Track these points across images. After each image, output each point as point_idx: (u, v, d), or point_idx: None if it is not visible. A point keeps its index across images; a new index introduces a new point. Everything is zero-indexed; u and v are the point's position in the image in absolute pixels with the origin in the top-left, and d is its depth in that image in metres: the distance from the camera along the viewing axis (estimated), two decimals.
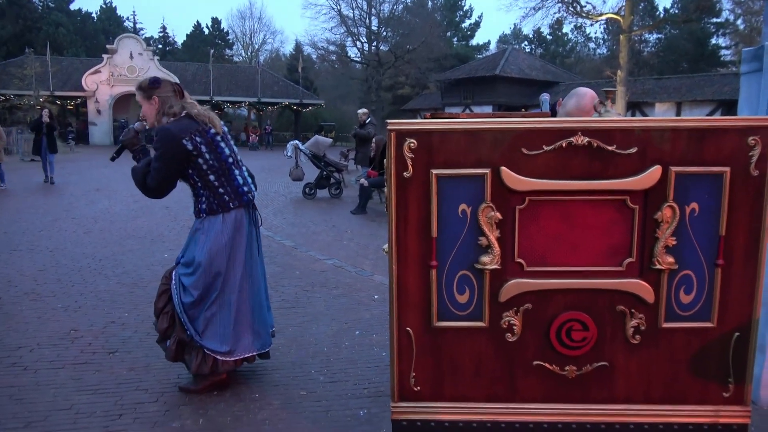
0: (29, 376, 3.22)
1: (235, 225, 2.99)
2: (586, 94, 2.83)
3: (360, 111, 11.77)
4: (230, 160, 3.00)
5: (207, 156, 2.90)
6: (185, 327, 2.96)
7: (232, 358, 3.02)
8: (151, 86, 2.95)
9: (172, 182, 2.97)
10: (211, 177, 2.93)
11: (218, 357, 2.98)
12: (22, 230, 7.51)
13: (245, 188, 3.05)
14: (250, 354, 3.09)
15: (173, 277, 3.02)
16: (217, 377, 3.06)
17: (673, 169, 1.92)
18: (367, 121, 11.51)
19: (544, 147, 1.94)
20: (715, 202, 1.94)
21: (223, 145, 2.98)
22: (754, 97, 3.15)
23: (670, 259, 1.97)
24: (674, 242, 1.96)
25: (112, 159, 3.27)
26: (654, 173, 1.92)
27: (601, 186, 1.95)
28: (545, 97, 3.20)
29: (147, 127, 3.08)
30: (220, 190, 2.95)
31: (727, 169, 1.92)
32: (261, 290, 3.19)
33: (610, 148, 1.92)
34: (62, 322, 4.12)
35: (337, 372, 3.37)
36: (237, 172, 3.03)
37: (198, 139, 2.89)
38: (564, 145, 1.93)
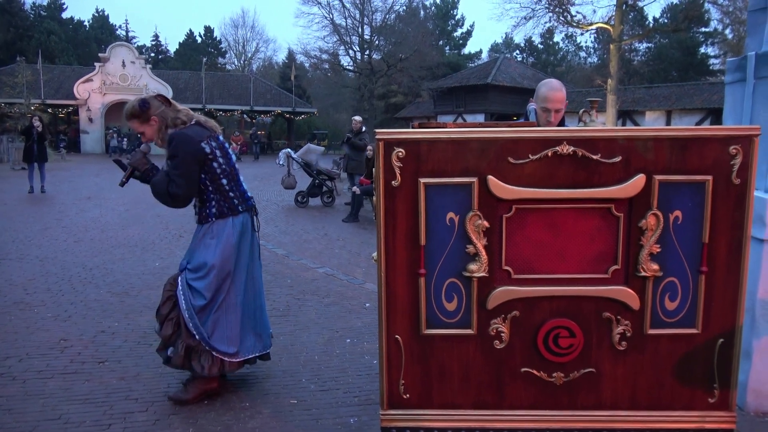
0: (18, 386, 3.20)
1: (242, 228, 3.07)
2: (551, 79, 3.12)
3: (355, 118, 11.67)
4: (236, 165, 3.13)
5: (221, 160, 3.01)
6: (193, 332, 2.95)
7: (237, 360, 3.07)
8: (143, 109, 2.97)
9: (196, 186, 2.97)
10: (224, 181, 3.01)
11: (225, 359, 3.02)
12: (11, 239, 7.47)
13: (249, 193, 3.18)
14: (253, 355, 3.15)
15: (179, 282, 3.02)
16: (209, 385, 3.07)
17: (657, 177, 1.95)
18: (363, 130, 11.49)
19: (530, 156, 1.96)
20: (699, 210, 1.97)
21: (230, 151, 3.12)
22: (739, 107, 3.20)
23: (655, 266, 1.99)
24: (658, 249, 1.99)
25: (122, 184, 3.16)
26: (638, 182, 1.95)
27: (587, 194, 1.98)
28: (532, 106, 3.24)
29: (150, 148, 3.11)
30: (230, 194, 3.04)
31: (710, 177, 1.95)
32: (262, 293, 3.26)
33: (594, 157, 1.95)
34: (52, 331, 4.10)
35: (328, 380, 3.37)
36: (241, 177, 3.16)
37: (213, 143, 2.99)
38: (549, 154, 1.96)
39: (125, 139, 32.52)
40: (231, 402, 3.07)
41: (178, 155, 2.89)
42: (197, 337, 2.96)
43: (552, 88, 2.98)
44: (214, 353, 2.99)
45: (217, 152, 2.98)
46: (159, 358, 3.27)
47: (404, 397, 2.12)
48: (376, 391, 3.12)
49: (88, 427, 2.79)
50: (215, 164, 2.97)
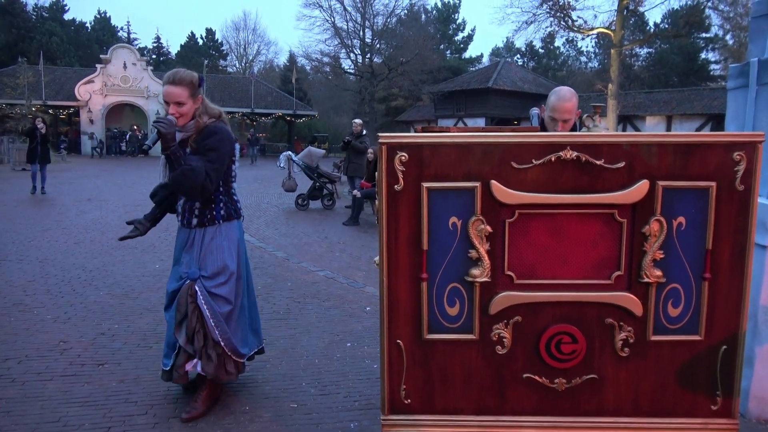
0: (17, 389, 3.19)
1: (242, 231, 3.12)
2: (562, 88, 2.97)
3: (356, 121, 11.68)
4: None
5: (237, 164, 3.02)
6: (218, 339, 2.90)
7: (244, 359, 3.09)
8: (200, 83, 2.85)
9: None
10: (234, 184, 3.03)
11: (239, 360, 3.03)
12: (11, 240, 7.46)
13: None
14: (253, 351, 3.19)
15: (198, 291, 2.87)
16: (216, 392, 3.07)
17: (661, 183, 1.94)
18: (363, 133, 11.49)
19: (533, 161, 1.96)
20: (702, 217, 1.96)
21: None
22: (741, 113, 3.20)
23: (658, 273, 1.99)
24: (662, 256, 1.98)
25: (148, 148, 2.75)
26: (642, 187, 1.94)
27: (590, 200, 1.97)
28: (535, 111, 3.23)
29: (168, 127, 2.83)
30: (235, 197, 3.05)
31: (713, 183, 1.94)
32: (253, 290, 3.29)
33: (598, 162, 1.95)
34: (51, 333, 4.09)
35: (329, 384, 3.36)
36: None
37: (237, 145, 3.00)
38: (553, 159, 1.95)
39: (125, 139, 32.56)
40: (231, 406, 3.06)
41: (219, 150, 2.77)
42: (222, 343, 2.91)
43: (560, 98, 2.86)
44: (234, 357, 2.98)
45: (237, 155, 3.00)
46: (159, 361, 3.26)
47: (405, 402, 2.11)
48: (377, 395, 3.11)
49: (87, 429, 2.77)
50: (233, 167, 2.97)
